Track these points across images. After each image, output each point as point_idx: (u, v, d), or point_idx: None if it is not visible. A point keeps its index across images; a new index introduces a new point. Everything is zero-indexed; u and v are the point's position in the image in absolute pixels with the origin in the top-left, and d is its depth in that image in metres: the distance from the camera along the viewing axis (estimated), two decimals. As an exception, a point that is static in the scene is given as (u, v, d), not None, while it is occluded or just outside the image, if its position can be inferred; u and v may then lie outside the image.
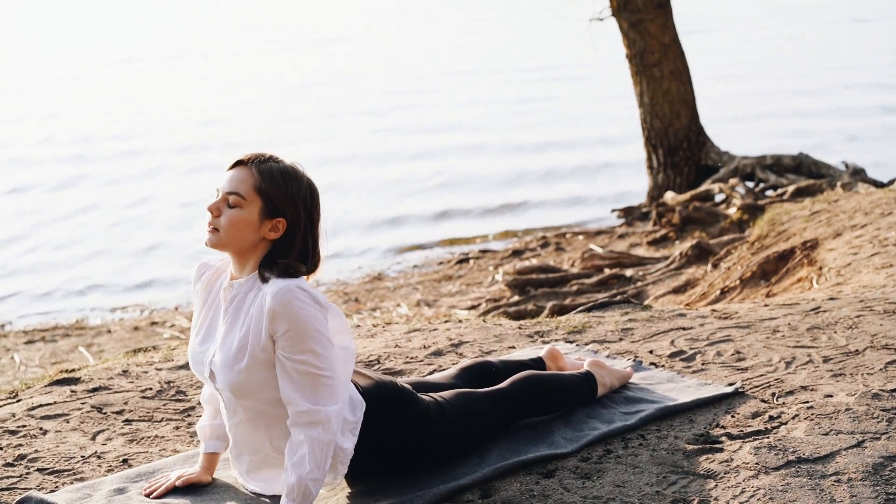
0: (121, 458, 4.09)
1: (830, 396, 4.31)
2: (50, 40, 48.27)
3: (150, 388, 4.86)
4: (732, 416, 4.18)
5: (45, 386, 4.93)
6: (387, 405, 3.61)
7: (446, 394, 3.87)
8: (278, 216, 3.38)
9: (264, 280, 3.39)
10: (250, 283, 3.44)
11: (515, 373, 4.41)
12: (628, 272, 11.17)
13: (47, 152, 22.38)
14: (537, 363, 4.55)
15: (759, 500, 3.49)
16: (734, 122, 20.77)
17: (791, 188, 12.87)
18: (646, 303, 8.37)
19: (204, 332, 3.57)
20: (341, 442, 3.45)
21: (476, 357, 4.45)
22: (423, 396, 3.80)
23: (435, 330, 5.74)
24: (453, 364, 4.97)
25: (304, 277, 3.42)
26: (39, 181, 19.67)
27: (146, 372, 5.10)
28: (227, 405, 3.55)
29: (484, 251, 13.51)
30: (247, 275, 3.46)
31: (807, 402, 4.27)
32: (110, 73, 34.08)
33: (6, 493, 3.82)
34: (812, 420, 4.07)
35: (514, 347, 5.34)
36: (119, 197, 18.12)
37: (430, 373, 4.88)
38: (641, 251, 12.49)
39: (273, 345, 3.36)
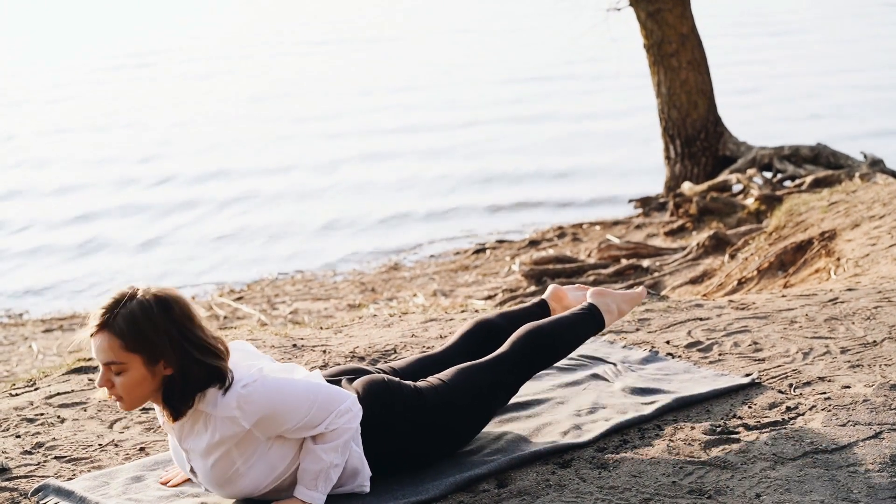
0: (138, 447, 4.11)
1: (848, 387, 4.30)
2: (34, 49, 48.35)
3: (167, 377, 4.86)
4: (749, 407, 4.17)
5: (63, 374, 4.95)
6: (381, 408, 3.62)
7: (444, 374, 3.84)
8: (160, 359, 3.28)
9: (179, 413, 3.34)
10: (186, 418, 3.40)
11: (518, 325, 4.30)
12: (645, 263, 11.15)
13: (56, 149, 22.46)
14: (541, 307, 4.43)
15: (775, 490, 3.48)
16: (753, 112, 20.71)
17: (809, 179, 12.82)
18: (663, 293, 8.36)
19: (173, 447, 3.58)
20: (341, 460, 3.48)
21: (474, 320, 4.32)
22: (420, 382, 3.79)
23: (451, 319, 5.74)
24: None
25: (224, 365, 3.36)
26: (47, 175, 19.74)
27: (163, 361, 5.11)
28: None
29: (500, 241, 13.50)
30: None
31: (824, 393, 4.25)
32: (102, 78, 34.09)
33: (24, 480, 3.84)
34: (829, 411, 4.06)
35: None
36: (136, 190, 18.17)
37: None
38: (658, 242, 12.46)
39: (264, 439, 3.39)
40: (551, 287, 4.55)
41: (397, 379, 3.77)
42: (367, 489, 3.55)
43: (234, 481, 3.42)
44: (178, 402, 3.32)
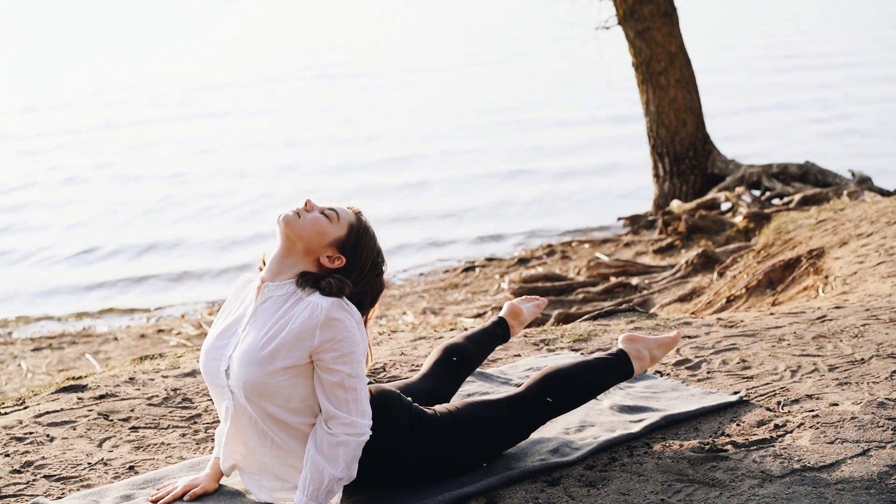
0: (127, 465, 4.10)
1: (836, 405, 4.31)
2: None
3: (157, 396, 4.87)
4: (737, 425, 4.18)
5: (52, 393, 4.94)
6: (388, 419, 3.62)
7: (453, 404, 3.85)
8: (345, 256, 3.54)
9: (300, 286, 3.49)
10: (285, 289, 3.51)
11: (484, 346, 4.43)
12: (634, 280, 11.17)
13: (60, 156, 22.47)
14: (501, 325, 4.54)
15: (763, 508, 3.49)
16: (741, 130, 20.78)
17: (797, 197, 12.87)
18: (651, 311, 8.37)
19: (224, 328, 3.61)
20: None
21: (442, 346, 4.36)
22: (428, 409, 3.80)
23: (441, 338, 5.75)
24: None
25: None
26: (45, 185, 19.73)
27: (153, 379, 5.12)
28: (233, 404, 3.56)
29: (490, 259, 13.51)
30: (281, 280, 3.53)
31: (812, 410, 4.27)
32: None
33: (13, 499, 3.83)
34: (817, 429, 4.07)
35: (519, 356, 5.35)
36: (129, 206, 18.16)
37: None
38: (647, 259, 12.49)
39: (309, 355, 3.42)
40: (507, 304, 4.62)
41: (409, 398, 3.79)
42: (338, 499, 3.55)
43: (264, 365, 3.41)
44: (316, 278, 3.50)
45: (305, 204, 3.57)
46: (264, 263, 3.63)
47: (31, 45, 52.01)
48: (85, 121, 27.56)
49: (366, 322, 3.61)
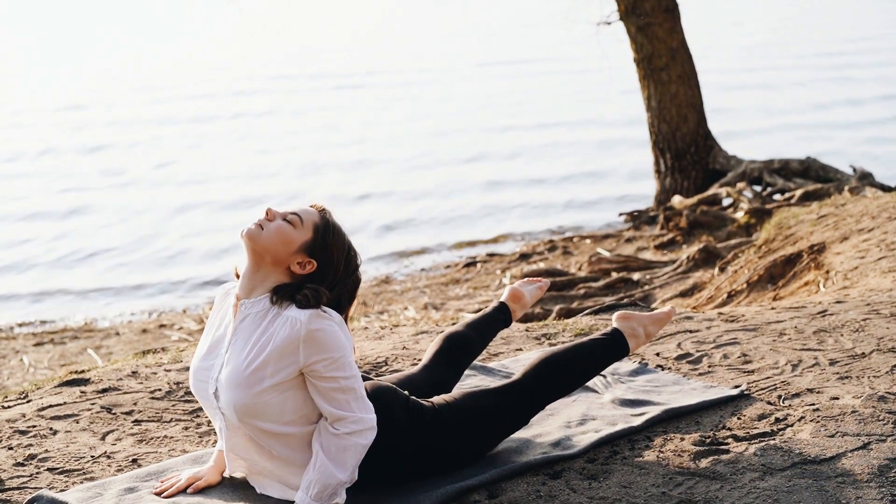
0: (130, 458, 4.12)
1: (836, 399, 4.32)
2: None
3: (160, 389, 4.88)
4: (738, 418, 4.19)
5: (55, 387, 4.96)
6: (386, 413, 3.63)
7: (451, 395, 3.86)
8: (315, 259, 3.48)
9: (276, 303, 3.44)
10: (261, 305, 3.47)
11: (485, 333, 4.39)
12: (635, 276, 11.18)
13: (58, 155, 22.48)
14: (501, 310, 4.50)
15: (764, 501, 3.50)
16: (742, 126, 20.78)
17: (798, 192, 12.88)
18: (653, 306, 8.38)
19: (208, 348, 3.60)
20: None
21: (442, 336, 4.35)
22: (425, 401, 3.81)
23: (442, 332, 5.75)
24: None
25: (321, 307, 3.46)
26: (46, 186, 19.74)
27: (155, 373, 5.13)
28: (226, 425, 3.57)
29: (491, 255, 13.52)
30: (256, 296, 3.49)
31: (813, 404, 4.28)
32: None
33: (17, 492, 3.85)
34: (818, 422, 4.08)
35: (521, 350, 5.36)
36: (128, 201, 18.18)
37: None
38: (649, 255, 12.50)
39: (299, 371, 3.41)
40: (508, 288, 4.59)
41: (406, 392, 3.79)
42: (343, 500, 3.56)
43: (252, 387, 3.40)
44: (290, 291, 3.44)
45: (266, 213, 3.50)
46: (237, 276, 3.59)
47: (24, 46, 52.07)
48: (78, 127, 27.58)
49: (347, 319, 3.57)
